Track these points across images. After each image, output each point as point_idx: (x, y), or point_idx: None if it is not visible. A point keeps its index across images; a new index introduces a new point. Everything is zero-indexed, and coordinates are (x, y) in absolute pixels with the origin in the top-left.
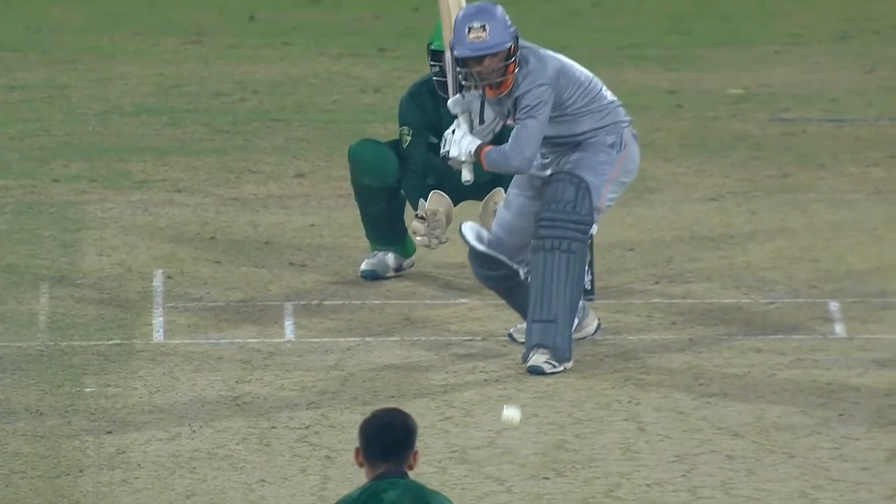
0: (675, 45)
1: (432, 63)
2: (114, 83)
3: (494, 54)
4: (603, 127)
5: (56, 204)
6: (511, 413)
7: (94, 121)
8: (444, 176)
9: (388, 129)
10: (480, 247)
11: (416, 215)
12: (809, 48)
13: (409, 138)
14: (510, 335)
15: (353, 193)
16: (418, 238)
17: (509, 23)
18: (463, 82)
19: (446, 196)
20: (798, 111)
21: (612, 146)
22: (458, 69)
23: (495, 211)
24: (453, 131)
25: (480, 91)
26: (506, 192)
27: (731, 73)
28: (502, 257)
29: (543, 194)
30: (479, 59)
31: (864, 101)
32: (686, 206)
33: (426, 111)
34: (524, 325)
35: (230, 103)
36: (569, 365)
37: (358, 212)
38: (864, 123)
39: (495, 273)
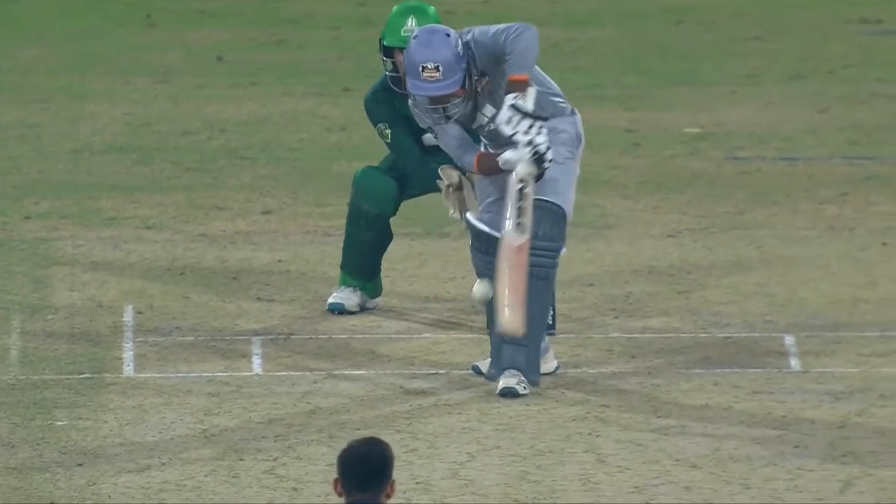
0: (633, 85)
1: (384, 59)
2: (84, 122)
3: (447, 94)
4: (558, 104)
5: (27, 240)
6: (481, 290)
7: (64, 159)
8: (438, 156)
9: (353, 167)
10: (486, 228)
11: (444, 187)
12: (764, 88)
13: (388, 131)
14: (474, 367)
15: (346, 216)
16: (452, 213)
17: (460, 51)
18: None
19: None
20: (753, 150)
21: (570, 141)
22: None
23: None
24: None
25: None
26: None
27: (688, 112)
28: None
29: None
30: (433, 98)
31: (817, 140)
32: (644, 243)
33: (391, 106)
34: (488, 359)
35: (198, 142)
36: (535, 387)
37: (343, 240)
38: (818, 162)
39: (482, 255)
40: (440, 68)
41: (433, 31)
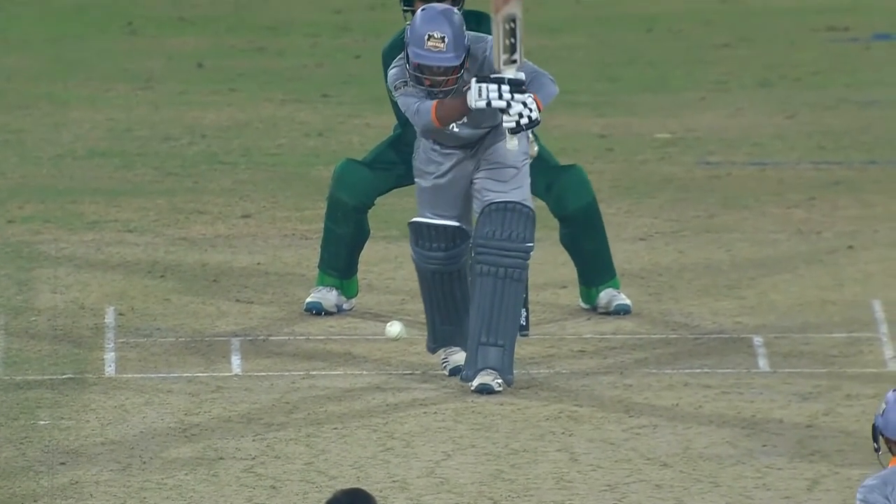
0: (605, 92)
1: (405, 9)
2: (67, 128)
3: (449, 67)
4: None
5: (11, 244)
6: (394, 330)
7: (48, 164)
8: None
9: (331, 172)
10: (437, 220)
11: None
12: (733, 94)
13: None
14: (450, 371)
15: (325, 210)
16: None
17: (465, 33)
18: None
19: None
20: (723, 155)
21: (522, 141)
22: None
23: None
24: (507, 97)
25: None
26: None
27: (659, 118)
28: (462, 225)
29: (486, 215)
30: (432, 68)
31: (785, 146)
32: (616, 246)
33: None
34: (456, 355)
35: (179, 147)
36: (509, 385)
37: (321, 237)
38: (786, 166)
39: (444, 253)
40: (445, 39)
41: (440, 8)
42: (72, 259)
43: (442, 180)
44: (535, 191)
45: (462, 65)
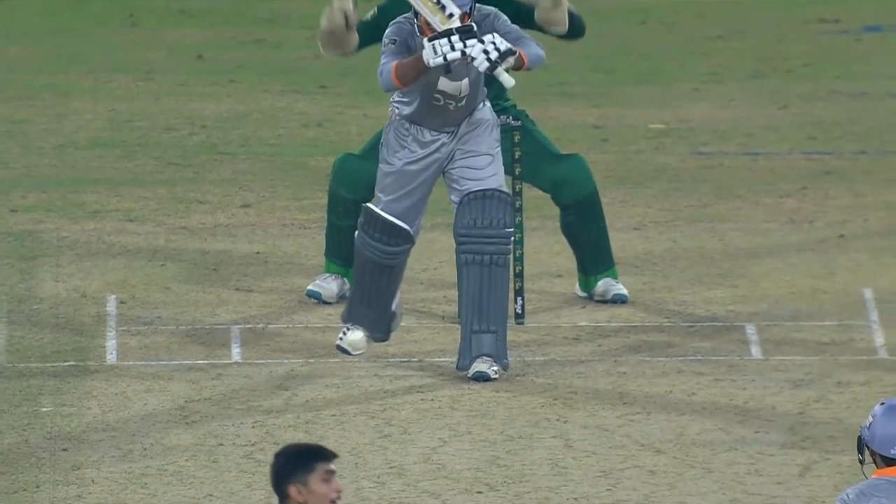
0: (600, 83)
1: None
2: (69, 118)
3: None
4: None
5: (14, 233)
6: (355, 340)
7: (50, 154)
8: None
9: (329, 162)
10: (399, 222)
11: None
12: (726, 86)
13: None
14: (337, 346)
15: (326, 203)
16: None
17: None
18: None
19: None
20: (716, 145)
21: (493, 128)
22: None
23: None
24: (464, 50)
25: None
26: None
27: (653, 109)
28: (410, 230)
29: (465, 204)
30: None
31: (777, 136)
32: (611, 235)
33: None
34: (353, 334)
35: (180, 137)
36: (505, 370)
37: (325, 228)
38: (778, 157)
39: (385, 247)
40: None
41: None
42: (73, 248)
43: (412, 166)
44: (537, 180)
45: (470, 9)
